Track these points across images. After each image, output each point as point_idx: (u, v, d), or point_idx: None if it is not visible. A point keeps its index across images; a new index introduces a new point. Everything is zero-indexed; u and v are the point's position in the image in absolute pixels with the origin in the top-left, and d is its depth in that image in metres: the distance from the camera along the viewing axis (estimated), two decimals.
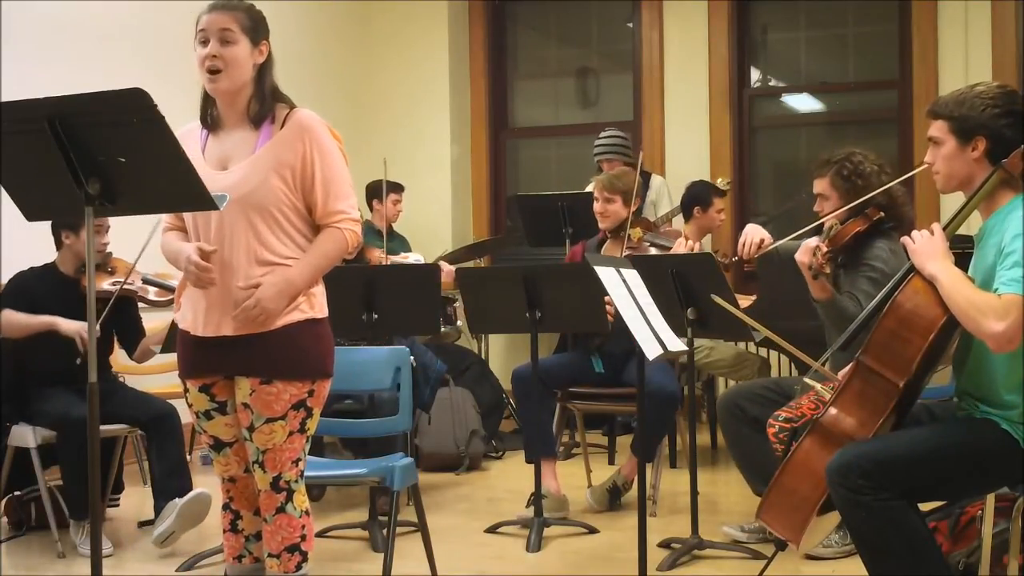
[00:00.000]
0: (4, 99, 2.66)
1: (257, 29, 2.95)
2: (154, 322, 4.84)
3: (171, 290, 4.62)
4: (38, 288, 4.53)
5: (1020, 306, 2.66)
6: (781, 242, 4.23)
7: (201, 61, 2.91)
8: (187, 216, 3.01)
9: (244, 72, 2.93)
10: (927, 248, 2.85)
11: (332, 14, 7.58)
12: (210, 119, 3.02)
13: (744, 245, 4.26)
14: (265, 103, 2.96)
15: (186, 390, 3.06)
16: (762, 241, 4.23)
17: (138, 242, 4.30)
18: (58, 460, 4.48)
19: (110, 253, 4.66)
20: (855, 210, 4.04)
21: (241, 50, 2.91)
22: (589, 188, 5.54)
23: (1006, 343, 2.68)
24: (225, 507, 3.14)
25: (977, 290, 2.77)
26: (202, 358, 2.99)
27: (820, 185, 4.20)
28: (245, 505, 3.11)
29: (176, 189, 2.64)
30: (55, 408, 4.37)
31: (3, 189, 2.78)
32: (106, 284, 4.56)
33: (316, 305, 2.99)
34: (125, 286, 4.48)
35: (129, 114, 2.49)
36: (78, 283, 4.51)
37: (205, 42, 2.91)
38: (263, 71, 2.97)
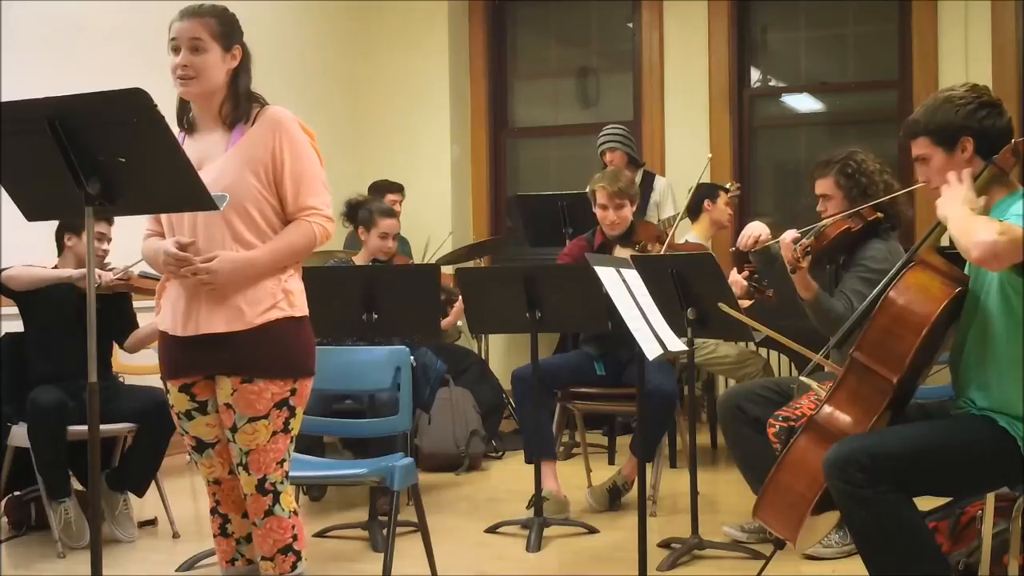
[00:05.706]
0: (4, 99, 2.66)
1: (228, 34, 2.98)
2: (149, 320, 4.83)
3: None
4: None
5: (1020, 235, 2.56)
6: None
7: (173, 70, 2.95)
8: (163, 217, 3.03)
9: (215, 78, 2.96)
10: (946, 195, 2.79)
11: (332, 14, 7.57)
12: (186, 122, 3.05)
13: (743, 237, 4.27)
14: (239, 106, 2.98)
15: (167, 391, 3.07)
16: (759, 236, 4.23)
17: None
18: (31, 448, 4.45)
19: (108, 262, 4.66)
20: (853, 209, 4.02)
21: (212, 57, 2.94)
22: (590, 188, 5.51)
23: (990, 255, 2.55)
24: (213, 511, 3.13)
25: (982, 218, 2.69)
26: (183, 358, 3.00)
27: (823, 185, 4.15)
28: (232, 508, 3.10)
29: (176, 189, 2.66)
30: (32, 401, 4.38)
31: (3, 189, 2.78)
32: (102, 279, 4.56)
33: (296, 304, 2.99)
34: (119, 278, 4.47)
35: (129, 114, 2.50)
36: (76, 286, 4.45)
37: (176, 50, 2.94)
38: (237, 74, 2.99)
